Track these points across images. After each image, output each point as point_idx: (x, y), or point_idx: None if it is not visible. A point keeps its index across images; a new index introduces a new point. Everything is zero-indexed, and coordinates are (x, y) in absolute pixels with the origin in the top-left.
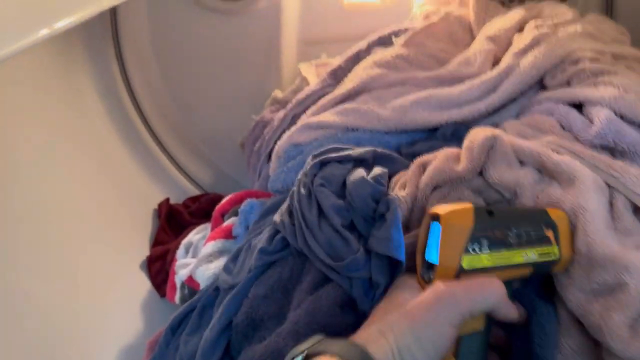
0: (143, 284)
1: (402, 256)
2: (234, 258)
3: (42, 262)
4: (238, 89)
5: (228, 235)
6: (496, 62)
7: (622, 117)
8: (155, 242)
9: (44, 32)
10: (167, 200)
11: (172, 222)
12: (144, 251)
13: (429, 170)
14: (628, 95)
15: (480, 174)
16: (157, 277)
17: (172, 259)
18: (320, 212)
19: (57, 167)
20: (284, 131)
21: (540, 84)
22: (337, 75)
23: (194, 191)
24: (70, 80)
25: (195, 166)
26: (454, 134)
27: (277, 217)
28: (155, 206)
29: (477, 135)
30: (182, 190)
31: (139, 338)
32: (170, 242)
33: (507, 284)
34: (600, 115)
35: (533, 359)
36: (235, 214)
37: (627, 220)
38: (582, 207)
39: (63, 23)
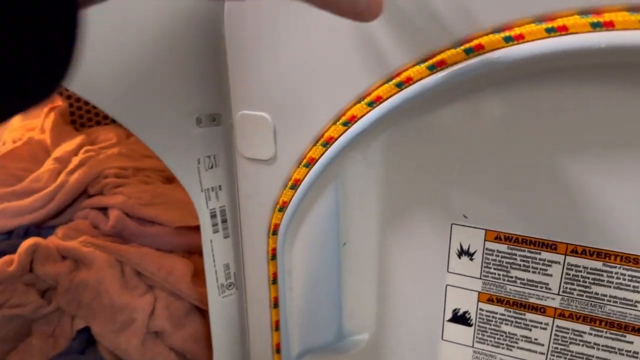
0: None
1: None
2: None
3: None
4: None
5: None
6: None
7: (127, 215)
8: None
9: None
10: None
11: None
12: None
13: None
14: (130, 201)
15: (31, 270)
16: None
17: None
18: None
19: None
20: None
21: (88, 194)
22: None
23: None
24: None
25: None
26: (26, 233)
27: None
28: None
29: (24, 244)
30: None
31: None
32: None
33: None
34: (113, 214)
35: None
36: None
37: (133, 280)
38: (103, 278)
39: None
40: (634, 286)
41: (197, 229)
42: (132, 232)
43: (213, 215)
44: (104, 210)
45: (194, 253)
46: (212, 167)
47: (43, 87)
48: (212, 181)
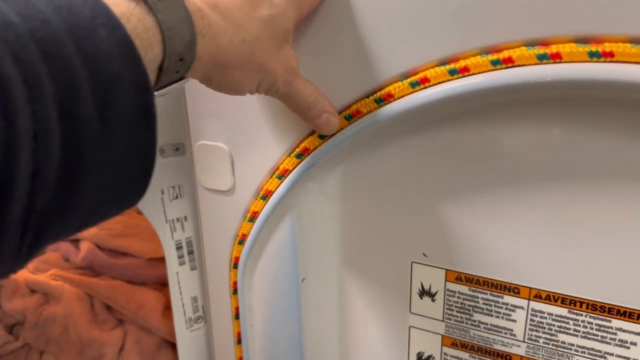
0: None
1: None
2: None
3: None
4: None
5: None
6: None
7: (99, 247)
8: None
9: None
10: None
11: None
12: None
13: None
14: (102, 232)
15: None
16: None
17: None
18: None
19: None
20: None
21: None
22: None
23: None
24: None
25: None
26: None
27: None
28: None
29: None
30: None
31: None
32: None
33: None
34: (84, 246)
35: None
36: None
37: (103, 314)
38: (71, 312)
39: None
40: (601, 336)
41: None
42: (102, 265)
43: (179, 247)
44: (75, 241)
45: (167, 285)
46: (176, 198)
47: (138, 195)
48: (177, 212)
